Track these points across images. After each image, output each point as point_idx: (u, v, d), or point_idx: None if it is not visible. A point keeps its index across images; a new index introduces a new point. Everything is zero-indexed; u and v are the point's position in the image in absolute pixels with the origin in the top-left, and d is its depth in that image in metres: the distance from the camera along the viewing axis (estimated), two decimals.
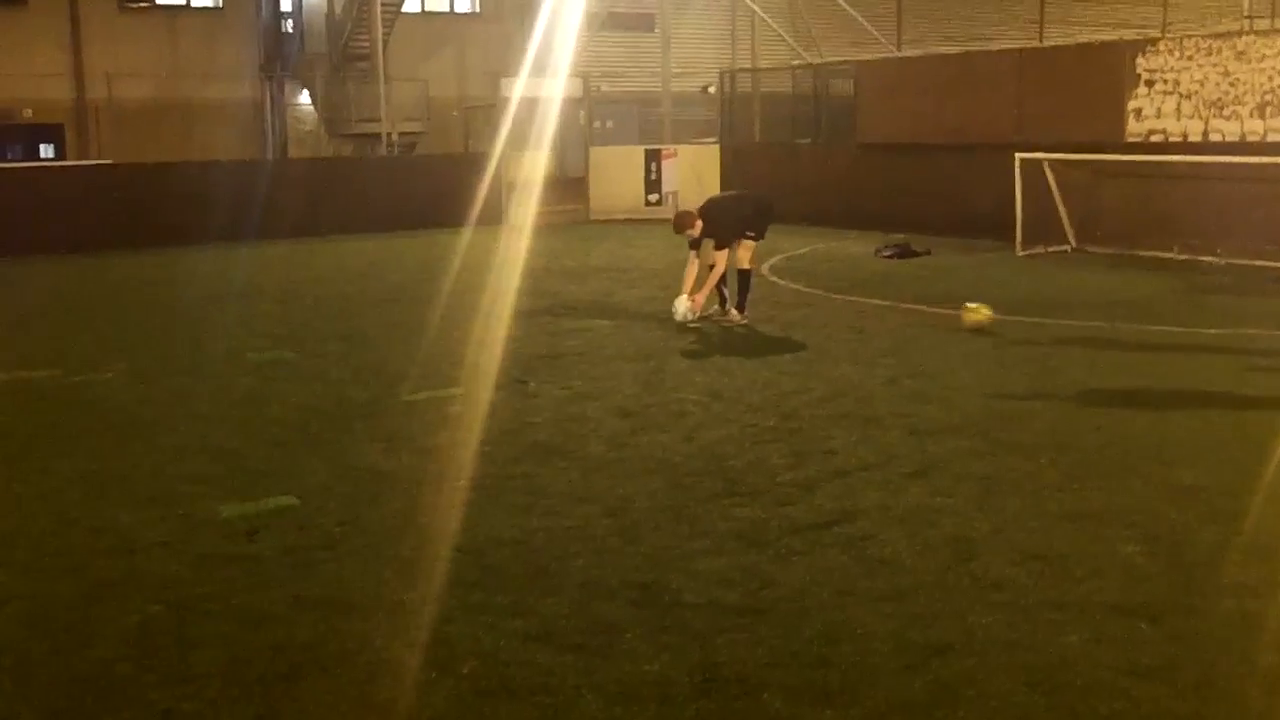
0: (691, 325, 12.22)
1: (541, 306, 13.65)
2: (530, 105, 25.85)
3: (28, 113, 29.95)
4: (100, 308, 15.07)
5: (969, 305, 12.11)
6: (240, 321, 13.54)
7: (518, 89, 26.28)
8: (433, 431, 8.43)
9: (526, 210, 23.18)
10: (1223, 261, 15.97)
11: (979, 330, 11.75)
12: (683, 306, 12.32)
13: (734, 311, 12.63)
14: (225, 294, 15.79)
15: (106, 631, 5.24)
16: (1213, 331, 11.59)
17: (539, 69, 27.27)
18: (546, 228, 22.31)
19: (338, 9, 32.98)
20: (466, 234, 21.28)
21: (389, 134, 28.35)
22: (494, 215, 23.42)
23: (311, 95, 33.39)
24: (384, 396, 9.55)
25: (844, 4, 27.42)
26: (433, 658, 4.92)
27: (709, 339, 11.74)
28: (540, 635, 5.10)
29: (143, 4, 31.81)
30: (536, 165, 24.25)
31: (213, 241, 20.65)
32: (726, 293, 12.74)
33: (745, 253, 12.60)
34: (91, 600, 5.59)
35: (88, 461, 7.92)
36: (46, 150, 30.55)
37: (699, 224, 12.55)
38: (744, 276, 12.64)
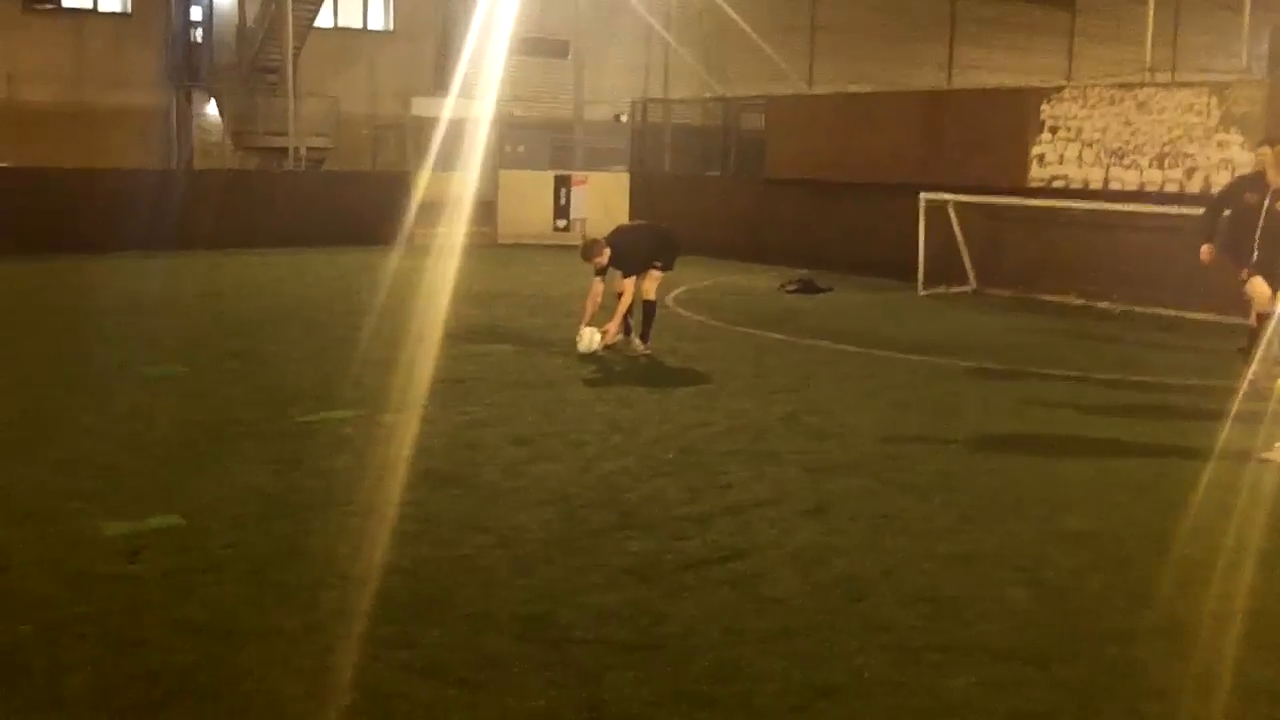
0: (595, 354, 12.16)
1: (443, 329, 13.52)
2: (443, 126, 25.70)
3: None
4: None
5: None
6: (135, 334, 13.24)
7: (435, 108, 26.13)
8: (325, 454, 8.28)
9: (433, 231, 23.03)
10: (1118, 308, 16.31)
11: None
12: (586, 335, 12.27)
13: (637, 341, 12.64)
14: (121, 305, 15.43)
15: None
16: (1106, 377, 11.81)
17: (452, 90, 27.14)
18: (454, 249, 22.14)
19: (249, 20, 32.59)
20: (372, 253, 21.09)
21: (297, 149, 28.01)
22: (400, 235, 23.21)
23: (219, 106, 32.91)
24: (277, 416, 9.37)
25: (757, 39, 27.68)
26: (313, 688, 4.81)
27: (611, 369, 11.71)
28: (425, 668, 5.00)
29: (48, 5, 31.15)
30: (446, 186, 24.09)
31: (113, 251, 20.24)
32: (631, 323, 12.73)
33: (651, 284, 12.62)
34: None
35: None
36: None
37: (607, 252, 12.52)
38: (648, 307, 12.65)
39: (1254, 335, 10.92)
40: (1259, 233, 10.73)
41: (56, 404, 9.76)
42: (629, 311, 12.64)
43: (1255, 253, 10.76)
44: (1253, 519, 7.18)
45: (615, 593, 5.86)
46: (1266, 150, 10.95)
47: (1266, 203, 10.74)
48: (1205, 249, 11.07)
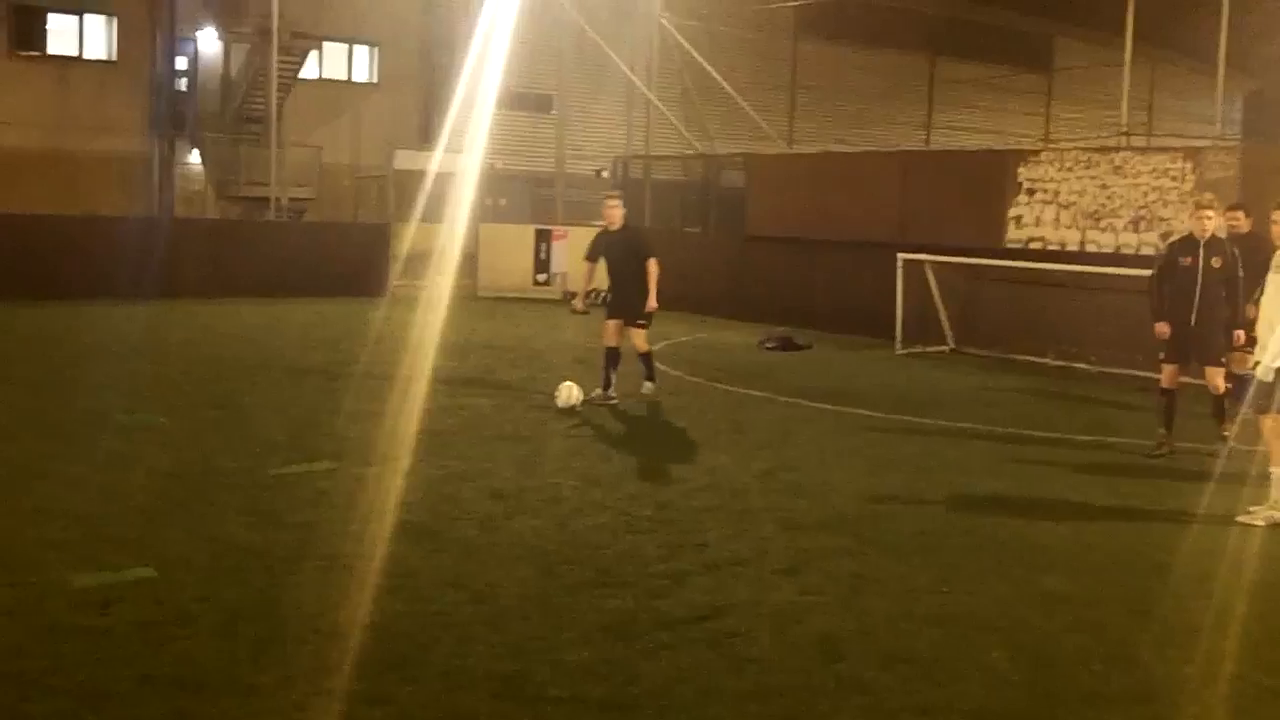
0: (574, 408, 12.14)
1: (422, 381, 13.50)
2: (424, 179, 25.80)
3: None
4: None
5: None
6: (114, 382, 13.18)
7: (417, 161, 26.25)
8: (301, 507, 8.24)
9: (414, 283, 23.06)
10: (1095, 369, 16.40)
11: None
12: (565, 390, 12.27)
13: (647, 383, 13.19)
14: (100, 353, 15.40)
15: None
16: (1083, 438, 11.85)
17: (435, 143, 27.27)
18: (434, 301, 22.15)
19: (234, 70, 32.72)
20: (353, 304, 21.10)
21: (279, 199, 28.05)
22: (380, 286, 23.25)
23: (202, 155, 32.97)
24: (254, 468, 9.32)
25: (738, 98, 27.92)
26: None
27: (589, 423, 11.70)
28: None
29: (33, 52, 31.23)
30: (427, 238, 24.14)
31: (93, 299, 20.18)
32: (614, 377, 12.79)
33: (640, 339, 13.02)
34: None
35: None
36: None
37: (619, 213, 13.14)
38: (646, 357, 13.24)
39: (1219, 399, 11.01)
40: (1198, 294, 10.85)
41: (33, 452, 9.69)
42: (612, 365, 12.82)
43: (1194, 314, 10.87)
44: (1232, 583, 7.20)
45: (591, 650, 5.83)
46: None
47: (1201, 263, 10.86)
48: (1160, 327, 11.11)
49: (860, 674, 5.68)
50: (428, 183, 25.46)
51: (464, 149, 27.37)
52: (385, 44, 35.74)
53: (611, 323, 13.02)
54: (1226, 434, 10.79)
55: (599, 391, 12.68)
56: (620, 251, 13.19)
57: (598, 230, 13.75)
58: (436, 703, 5.18)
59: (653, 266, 13.02)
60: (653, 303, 12.95)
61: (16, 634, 5.78)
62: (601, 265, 13.29)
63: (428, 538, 7.63)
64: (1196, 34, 20.80)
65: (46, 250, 21.08)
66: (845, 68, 41.67)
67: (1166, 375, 11.14)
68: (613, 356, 12.87)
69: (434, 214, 25.00)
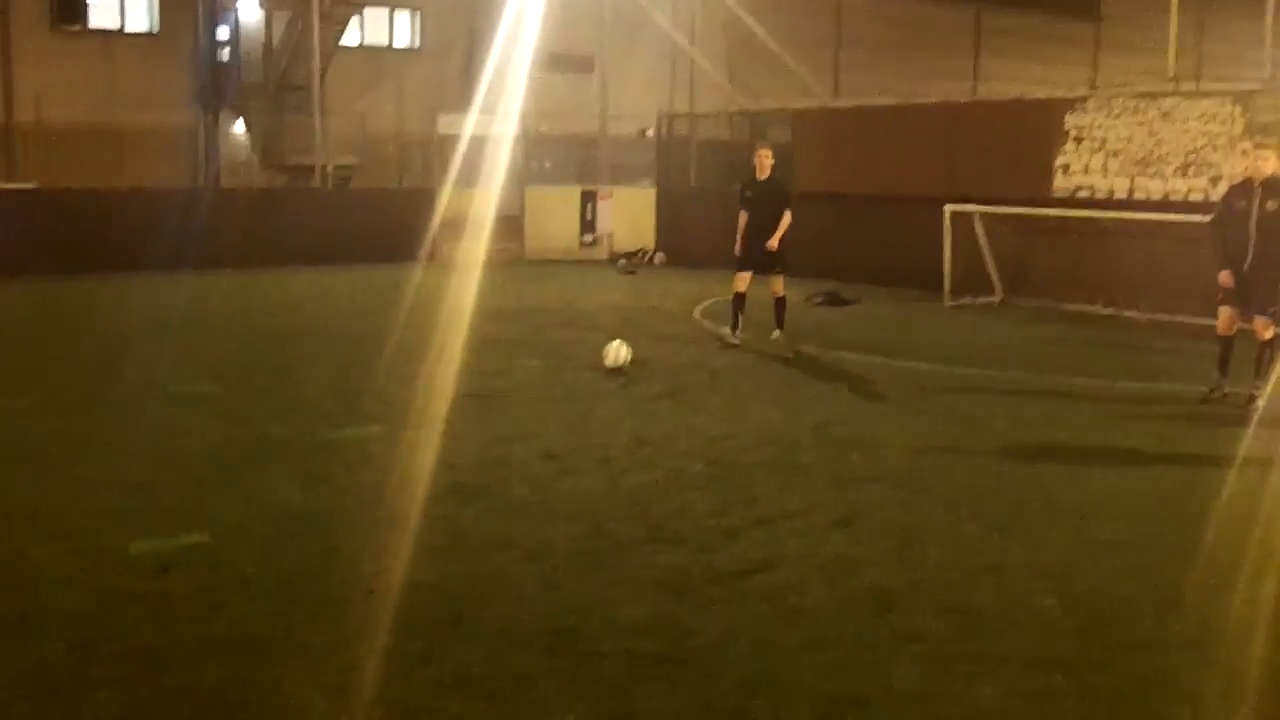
0: (622, 369, 12.11)
1: (471, 345, 13.55)
2: (468, 143, 25.79)
3: None
4: (20, 335, 14.79)
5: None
6: (164, 353, 13.30)
7: (454, 125, 26.23)
8: (353, 470, 8.31)
9: (461, 247, 23.11)
10: (1145, 317, 16.20)
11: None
12: (613, 350, 12.26)
13: (776, 332, 14.07)
14: (150, 324, 15.55)
15: (3, 671, 5.08)
16: (1134, 385, 11.73)
17: (478, 106, 27.23)
18: (481, 265, 22.20)
19: (275, 39, 32.78)
20: (400, 270, 21.15)
21: (324, 167, 28.15)
22: (429, 252, 23.31)
23: (246, 125, 33.10)
24: (305, 433, 9.40)
25: (781, 53, 27.67)
26: (341, 705, 4.82)
27: (638, 383, 11.68)
28: (452, 683, 5.01)
29: (75, 27, 31.43)
30: (473, 202, 24.17)
31: (141, 270, 20.35)
32: (741, 319, 13.97)
33: (778, 284, 14.16)
34: None
35: None
36: None
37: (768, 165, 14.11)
38: (781, 302, 14.24)
39: (1260, 349, 10.83)
40: (1252, 239, 10.68)
41: (86, 422, 9.82)
42: (740, 306, 14.06)
43: (1249, 259, 10.70)
44: None
45: (644, 606, 5.86)
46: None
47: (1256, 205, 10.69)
48: (1223, 276, 10.92)
49: (913, 624, 5.67)
50: (471, 147, 25.43)
51: (506, 112, 27.32)
52: (427, 8, 35.68)
53: (743, 272, 14.04)
54: (1257, 394, 10.60)
55: (726, 330, 13.95)
56: (764, 201, 14.13)
57: (744, 180, 14.69)
58: (490, 660, 5.23)
59: (786, 216, 13.95)
60: (773, 243, 13.85)
61: (77, 600, 5.88)
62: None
63: (479, 498, 7.67)
64: None
65: (94, 224, 21.26)
66: (890, 20, 41.21)
67: (1222, 320, 10.99)
68: (740, 300, 14.03)
69: (478, 178, 25.00)
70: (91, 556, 6.50)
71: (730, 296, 14.26)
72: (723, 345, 13.78)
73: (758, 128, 24.92)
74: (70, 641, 5.38)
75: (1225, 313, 10.98)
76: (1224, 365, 10.95)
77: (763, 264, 14.00)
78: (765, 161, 14.22)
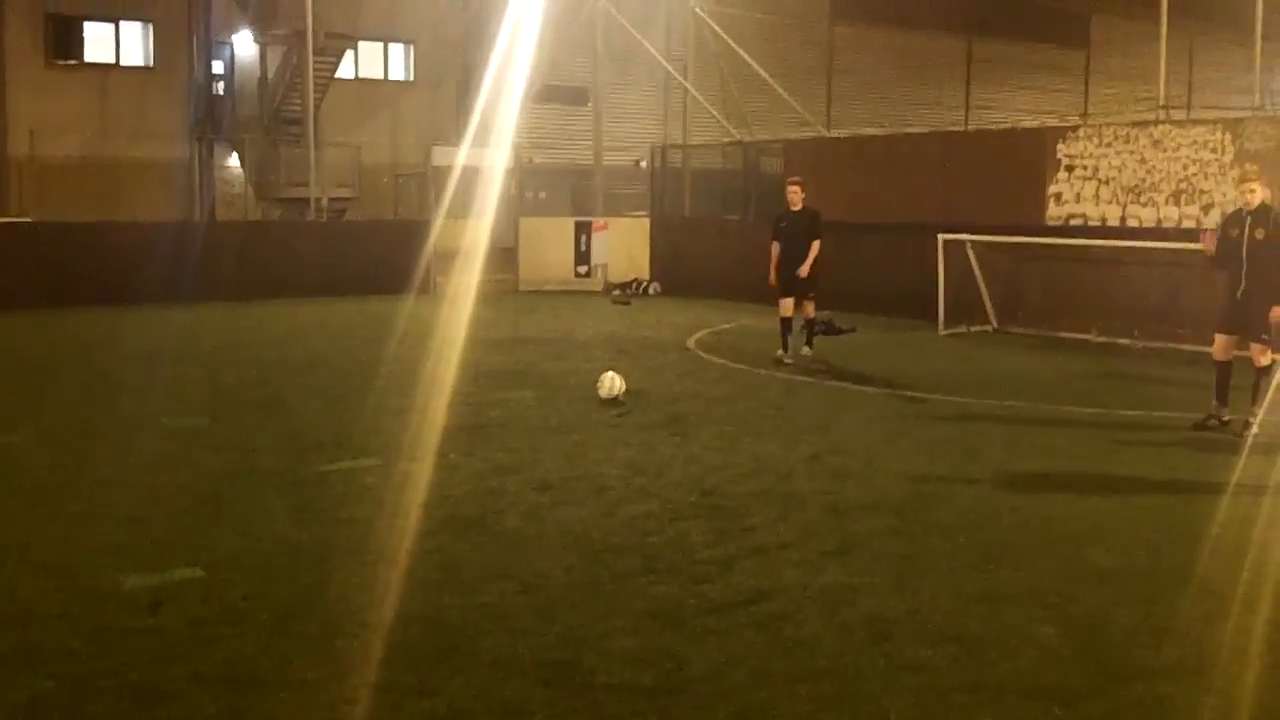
0: (617, 399, 12.10)
1: (465, 376, 13.54)
2: (463, 174, 25.85)
3: None
4: (14, 368, 14.75)
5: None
6: (158, 385, 13.30)
7: (448, 157, 26.29)
8: (347, 503, 8.28)
9: (455, 279, 23.13)
10: (1139, 344, 16.23)
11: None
12: (608, 381, 12.25)
13: (805, 349, 15.14)
14: (144, 357, 15.52)
15: None
16: (1129, 413, 11.74)
17: (473, 138, 27.31)
18: (475, 297, 22.22)
19: (270, 72, 32.89)
20: (395, 301, 21.16)
21: (318, 199, 28.20)
22: (423, 283, 23.33)
23: (241, 157, 33.18)
24: (299, 466, 9.38)
25: (774, 84, 27.81)
26: None
27: (632, 413, 11.67)
28: (447, 716, 4.98)
29: (71, 61, 31.52)
30: (467, 234, 24.20)
31: (137, 303, 20.35)
32: (789, 341, 15.04)
33: (810, 308, 15.23)
34: None
35: None
36: None
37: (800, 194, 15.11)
38: (812, 323, 15.37)
39: (1258, 374, 10.83)
40: (1244, 266, 10.73)
41: (79, 455, 9.79)
42: (786, 329, 15.14)
43: (1242, 286, 10.75)
44: (1277, 553, 7.10)
45: (639, 637, 5.83)
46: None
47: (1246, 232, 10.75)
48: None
49: (910, 654, 5.65)
50: (465, 178, 25.50)
51: (500, 144, 27.40)
52: (420, 42, 35.84)
53: (786, 299, 15.05)
54: (1252, 420, 10.59)
55: (780, 353, 14.95)
56: (797, 231, 15.07)
57: (778, 212, 15.60)
58: (487, 693, 5.19)
59: (815, 245, 14.91)
60: (804, 270, 14.82)
61: (70, 636, 5.84)
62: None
63: (474, 530, 7.65)
64: (1234, 5, 20.52)
65: (88, 256, 21.27)
66: (882, 50, 41.44)
67: (1218, 346, 11.01)
68: (787, 324, 15.12)
69: (472, 209, 25.05)
70: (84, 591, 6.47)
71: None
72: (777, 364, 14.79)
73: (750, 157, 25.01)
74: (62, 677, 5.35)
75: (1220, 341, 11.00)
76: (1221, 393, 10.96)
77: (797, 289, 14.98)
78: (795, 195, 15.18)
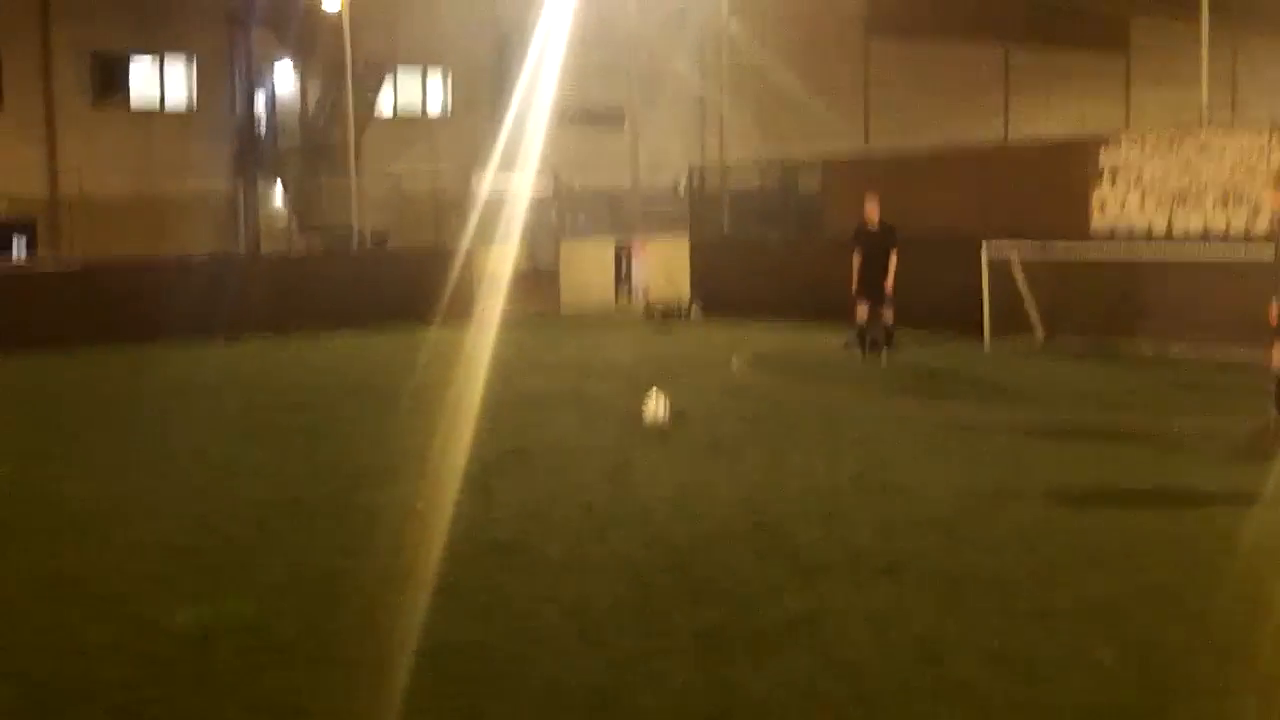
0: (661, 422, 12.03)
1: (509, 401, 13.55)
2: (502, 199, 25.97)
3: (1, 206, 29.89)
4: (65, 404, 14.92)
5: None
6: (205, 417, 13.40)
7: (488, 183, 26.43)
8: (393, 530, 8.28)
9: (497, 304, 23.17)
10: (1191, 352, 16.00)
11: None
12: (652, 404, 12.19)
13: (884, 351, 16.35)
14: (191, 389, 15.66)
15: None
16: (1182, 423, 11.56)
17: (510, 164, 27.43)
18: (517, 322, 22.26)
19: (310, 103, 33.19)
20: (437, 329, 21.22)
21: (361, 229, 28.38)
22: (465, 310, 23.38)
23: (284, 190, 33.48)
24: (344, 494, 9.40)
25: (811, 101, 27.76)
26: None
27: (677, 435, 11.61)
28: None
29: (117, 99, 31.94)
30: (508, 259, 24.27)
31: (184, 336, 20.49)
32: (866, 339, 16.46)
33: (889, 314, 16.50)
34: (34, 705, 5.43)
35: (41, 560, 7.78)
36: (19, 246, 30.43)
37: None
38: (891, 330, 16.57)
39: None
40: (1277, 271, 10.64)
41: (129, 488, 9.86)
42: (868, 328, 16.55)
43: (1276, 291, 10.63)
44: None
45: (686, 662, 5.78)
46: None
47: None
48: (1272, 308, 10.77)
49: (961, 674, 5.57)
50: (504, 204, 25.60)
51: (538, 169, 27.50)
52: (458, 69, 36.07)
53: (863, 304, 16.45)
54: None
55: (858, 353, 16.54)
56: (875, 244, 16.53)
57: (857, 226, 16.95)
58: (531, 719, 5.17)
59: (894, 256, 16.30)
60: (889, 283, 16.27)
61: (123, 668, 5.87)
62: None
63: (519, 555, 7.63)
64: (1276, 5, 20.29)
65: (136, 294, 21.44)
66: (919, 63, 41.28)
67: (1275, 355, 10.78)
68: (863, 329, 16.55)
69: (513, 235, 25.12)
70: (134, 622, 6.50)
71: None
72: (863, 359, 16.43)
73: (788, 175, 24.96)
74: (117, 708, 5.37)
75: (1276, 348, 10.78)
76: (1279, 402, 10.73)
77: (877, 297, 16.35)
78: (873, 211, 16.61)
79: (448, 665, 5.80)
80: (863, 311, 16.50)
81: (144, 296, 21.43)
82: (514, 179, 26.90)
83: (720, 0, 28.42)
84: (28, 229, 30.46)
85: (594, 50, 28.76)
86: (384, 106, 33.87)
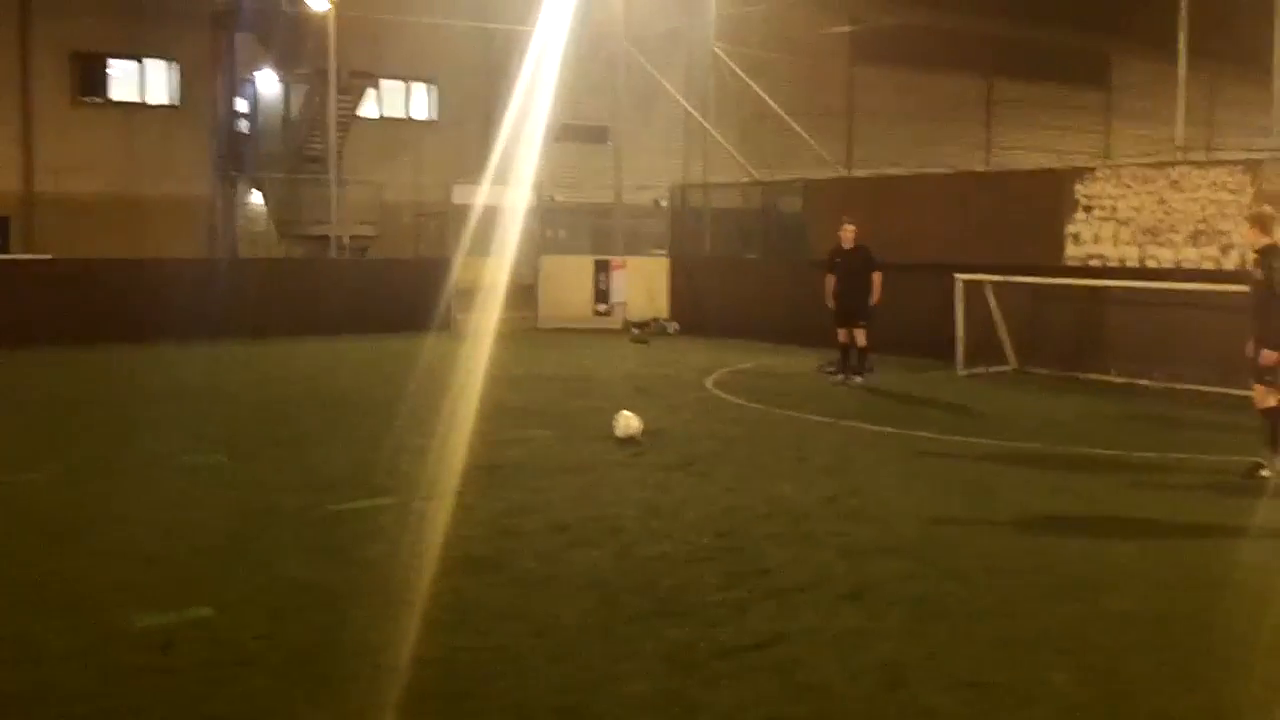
0: (633, 438, 12.07)
1: (483, 414, 13.54)
2: (484, 212, 25.99)
3: None
4: (35, 406, 14.83)
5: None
6: (177, 423, 13.35)
7: (470, 195, 26.44)
8: (362, 543, 8.27)
9: (475, 316, 23.19)
10: (1159, 385, 16.14)
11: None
12: (623, 420, 12.24)
13: (856, 378, 16.63)
14: (165, 394, 15.60)
15: None
16: (1148, 455, 11.66)
17: (494, 177, 27.46)
18: (495, 334, 22.26)
19: (293, 110, 33.17)
20: (414, 339, 21.21)
21: (340, 237, 28.36)
22: (443, 321, 23.39)
23: (264, 195, 33.42)
24: (315, 504, 9.38)
25: (794, 125, 27.89)
26: None
27: (650, 453, 11.65)
28: None
29: (96, 99, 31.85)
30: (487, 272, 24.29)
31: (158, 340, 20.43)
32: (848, 363, 16.68)
33: (861, 336, 16.67)
34: None
35: (5, 566, 7.71)
36: None
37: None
38: (864, 352, 16.77)
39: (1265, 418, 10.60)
40: (1251, 308, 10.64)
41: (98, 493, 9.82)
42: (845, 352, 16.86)
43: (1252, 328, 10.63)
44: None
45: (651, 681, 5.80)
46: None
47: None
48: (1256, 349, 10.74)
49: (925, 699, 5.60)
50: (486, 217, 25.62)
51: (520, 182, 27.53)
52: (443, 81, 36.14)
53: (841, 328, 16.77)
54: (1262, 462, 10.43)
55: (840, 376, 16.80)
56: (851, 266, 16.77)
57: (832, 248, 17.26)
58: None
59: (877, 277, 16.62)
60: (875, 299, 16.58)
61: (81, 676, 5.84)
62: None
63: (489, 570, 7.63)
64: (1255, 45, 20.50)
65: (111, 294, 21.37)
66: (902, 91, 41.55)
67: (1257, 393, 10.69)
68: (845, 350, 16.85)
69: (493, 247, 25.16)
70: (97, 630, 6.47)
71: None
72: (836, 385, 16.67)
73: (770, 197, 25.06)
74: (73, 717, 5.35)
75: (1258, 387, 10.67)
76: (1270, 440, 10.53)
77: (848, 318, 16.71)
78: (848, 234, 16.89)
79: (412, 680, 5.79)
80: (842, 333, 16.83)
81: (121, 297, 21.36)
82: (496, 192, 26.92)
83: (710, 23, 28.58)
84: (1, 227, 30.33)
85: (581, 66, 28.83)
86: (368, 115, 33.83)
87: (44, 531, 8.62)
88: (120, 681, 5.76)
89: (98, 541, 8.31)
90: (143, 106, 32.68)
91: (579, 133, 34.92)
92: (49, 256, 23.86)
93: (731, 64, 28.76)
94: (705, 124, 28.03)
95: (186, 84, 33.11)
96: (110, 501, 9.53)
